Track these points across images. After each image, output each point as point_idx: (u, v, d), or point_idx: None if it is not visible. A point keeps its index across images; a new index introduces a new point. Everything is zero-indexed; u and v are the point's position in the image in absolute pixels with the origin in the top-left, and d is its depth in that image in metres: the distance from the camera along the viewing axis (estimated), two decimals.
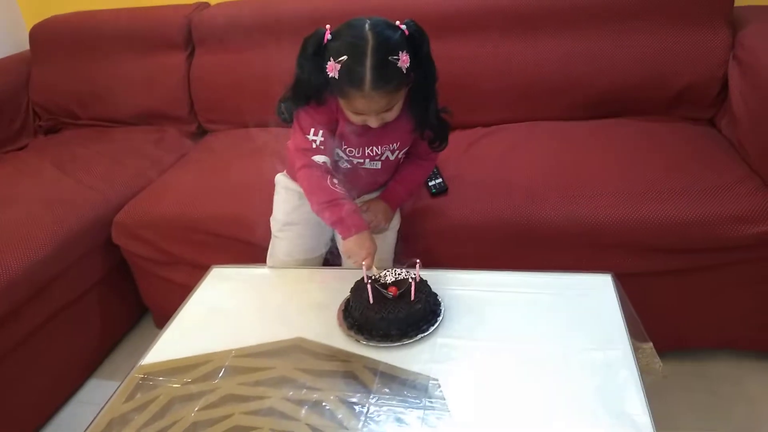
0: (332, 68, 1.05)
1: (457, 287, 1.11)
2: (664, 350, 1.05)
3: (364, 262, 1.08)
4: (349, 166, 1.27)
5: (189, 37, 2.05)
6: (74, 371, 1.64)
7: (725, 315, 1.41)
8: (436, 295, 1.07)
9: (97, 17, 2.15)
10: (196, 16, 2.04)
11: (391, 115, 1.13)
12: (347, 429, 0.85)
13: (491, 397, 0.88)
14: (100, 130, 2.13)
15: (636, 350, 0.94)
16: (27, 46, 2.25)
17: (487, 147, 1.67)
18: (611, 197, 1.34)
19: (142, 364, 1.03)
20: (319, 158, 1.17)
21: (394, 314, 0.99)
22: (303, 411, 0.89)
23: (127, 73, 2.09)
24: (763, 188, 1.31)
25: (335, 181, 1.17)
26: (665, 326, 1.26)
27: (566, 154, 1.54)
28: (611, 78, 1.70)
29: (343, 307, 1.08)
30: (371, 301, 1.01)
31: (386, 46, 1.04)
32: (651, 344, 1.03)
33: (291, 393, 0.92)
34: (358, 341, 1.00)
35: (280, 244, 1.36)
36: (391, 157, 1.27)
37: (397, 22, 1.09)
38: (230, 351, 1.03)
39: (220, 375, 0.98)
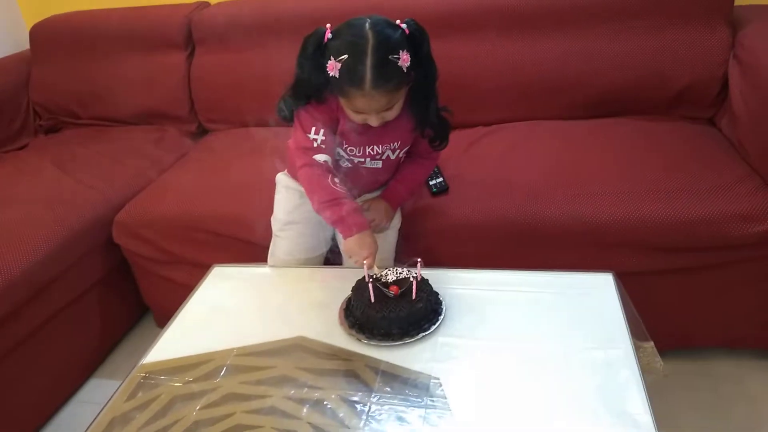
0: (332, 67, 1.06)
1: (459, 286, 1.11)
2: (665, 349, 1.05)
3: (365, 262, 1.08)
4: (350, 165, 1.27)
5: (189, 36, 2.05)
6: (75, 371, 1.64)
7: (727, 314, 1.42)
8: (437, 294, 1.07)
9: (97, 17, 2.15)
10: (196, 16, 2.04)
11: (391, 114, 1.13)
12: (349, 428, 0.85)
13: (493, 395, 0.88)
14: (100, 130, 2.13)
15: (637, 349, 0.94)
16: (27, 46, 2.25)
17: (488, 146, 1.67)
18: (612, 196, 1.34)
19: (144, 362, 1.03)
20: (320, 157, 1.17)
21: (395, 313, 0.99)
22: (304, 410, 0.89)
23: (127, 73, 2.09)
24: (763, 187, 1.31)
25: (336, 180, 1.17)
26: (667, 325, 1.26)
27: (567, 154, 1.54)
28: (611, 77, 1.70)
29: (344, 306, 1.08)
30: (372, 300, 1.01)
31: (386, 45, 1.04)
32: (652, 343, 1.03)
33: (292, 392, 0.92)
34: (360, 340, 1.00)
35: (281, 243, 1.36)
36: (392, 157, 1.27)
37: (398, 21, 1.09)
38: (231, 350, 1.03)
39: (222, 374, 0.98)
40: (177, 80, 2.05)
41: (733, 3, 1.64)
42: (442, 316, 1.03)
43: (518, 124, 1.75)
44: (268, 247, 1.39)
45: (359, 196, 1.32)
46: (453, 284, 1.11)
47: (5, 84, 2.16)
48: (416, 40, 1.08)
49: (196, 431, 0.88)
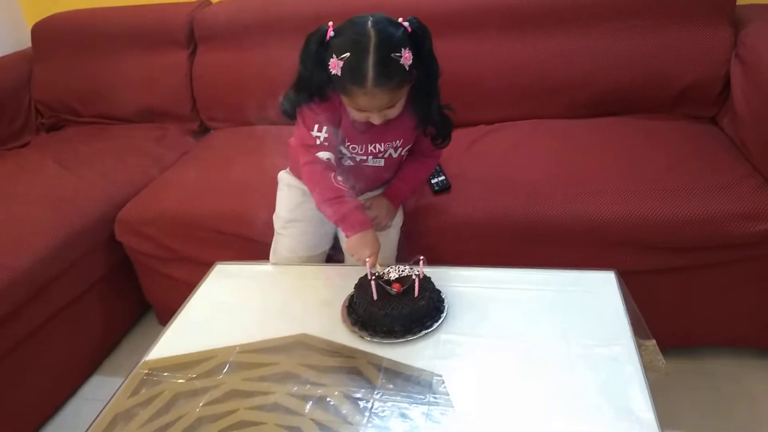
0: (335, 65, 1.06)
1: (461, 284, 1.11)
2: (666, 347, 1.05)
3: (367, 260, 1.09)
4: (352, 163, 1.27)
5: (191, 34, 2.05)
6: (76, 368, 1.64)
7: (728, 312, 1.42)
8: (439, 291, 1.07)
9: (98, 15, 2.15)
10: (198, 14, 2.04)
11: (393, 112, 1.13)
12: (352, 424, 0.85)
13: (495, 392, 0.88)
14: (102, 128, 2.13)
15: (639, 347, 0.94)
16: (29, 44, 2.26)
17: (490, 145, 1.67)
18: (614, 195, 1.34)
19: (147, 359, 1.04)
20: (324, 155, 1.17)
21: (397, 311, 1.00)
22: (307, 406, 0.89)
23: (129, 71, 2.09)
24: (765, 186, 1.31)
25: (339, 178, 1.17)
26: (669, 323, 1.26)
27: (569, 152, 1.54)
28: (613, 76, 1.70)
29: (346, 304, 1.08)
30: (375, 297, 1.02)
31: (389, 43, 1.04)
32: (654, 341, 1.03)
33: (295, 388, 0.93)
34: (362, 337, 1.01)
35: (283, 241, 1.36)
36: (394, 155, 1.27)
37: (400, 19, 1.09)
38: (234, 347, 1.03)
39: (225, 371, 0.98)
40: (179, 78, 2.05)
41: (735, 2, 1.64)
42: (444, 314, 1.03)
43: (520, 123, 1.75)
44: (270, 245, 1.39)
45: (361, 194, 1.33)
46: (455, 282, 1.11)
47: (7, 82, 2.17)
48: (418, 38, 1.08)
49: (199, 428, 0.88)
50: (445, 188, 1.47)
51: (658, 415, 0.81)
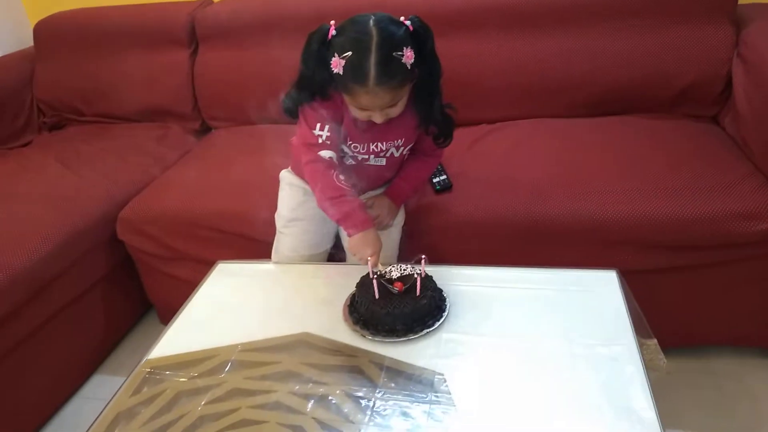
0: (336, 64, 1.06)
1: (462, 283, 1.11)
2: (668, 347, 1.05)
3: (369, 259, 1.09)
4: (353, 162, 1.28)
5: (192, 33, 2.05)
6: (78, 368, 1.64)
7: (730, 312, 1.42)
8: (441, 290, 1.07)
9: (100, 14, 2.16)
10: (199, 13, 2.04)
11: (395, 111, 1.13)
12: (353, 423, 0.85)
13: (497, 391, 0.88)
14: (103, 127, 2.13)
15: (640, 346, 0.94)
16: (31, 43, 2.26)
17: (491, 144, 1.67)
18: (615, 194, 1.34)
19: (149, 358, 1.04)
20: (326, 153, 1.17)
21: (399, 309, 1.00)
22: (309, 405, 0.89)
23: (130, 70, 2.09)
24: (766, 185, 1.31)
25: (341, 177, 1.17)
26: (670, 322, 1.26)
27: (570, 152, 1.54)
28: (614, 75, 1.70)
29: (348, 303, 1.09)
30: (377, 296, 1.02)
31: (390, 42, 1.04)
32: (655, 341, 1.03)
33: (297, 387, 0.93)
34: (364, 336, 1.01)
35: (284, 240, 1.36)
36: (396, 154, 1.27)
37: (402, 18, 1.09)
38: (236, 345, 1.03)
39: (227, 369, 0.98)
40: (180, 78, 2.05)
41: (736, 1, 1.64)
42: (446, 313, 1.03)
43: (521, 122, 1.75)
44: (271, 244, 1.39)
45: (363, 193, 1.33)
46: (457, 281, 1.11)
47: (9, 81, 2.17)
48: (420, 37, 1.08)
49: (201, 426, 0.88)
50: (446, 187, 1.47)
51: (660, 414, 0.81)
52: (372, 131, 1.20)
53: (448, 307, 1.05)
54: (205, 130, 2.13)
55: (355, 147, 1.24)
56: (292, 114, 1.21)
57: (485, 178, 1.48)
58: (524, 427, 0.83)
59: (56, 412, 1.56)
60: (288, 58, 1.17)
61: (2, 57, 2.26)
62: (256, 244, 1.45)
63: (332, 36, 1.07)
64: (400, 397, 0.89)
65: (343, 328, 1.04)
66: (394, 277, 1.05)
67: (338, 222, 1.20)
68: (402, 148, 1.26)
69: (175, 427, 0.88)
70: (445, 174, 1.49)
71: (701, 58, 1.63)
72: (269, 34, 1.89)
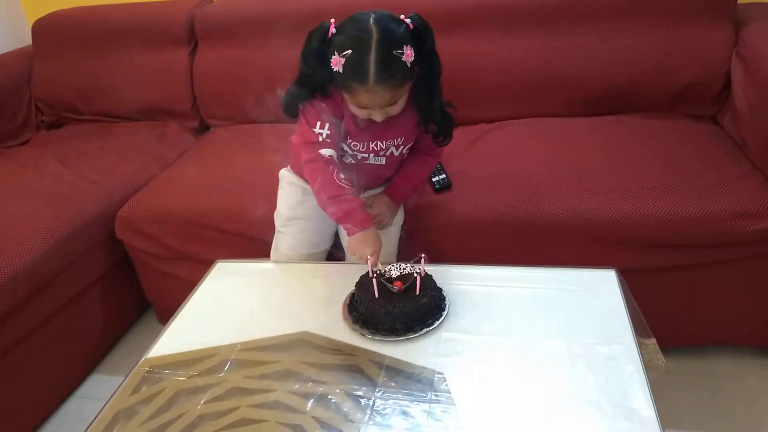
0: (336, 62, 1.06)
1: (462, 282, 1.11)
2: (667, 346, 1.05)
3: (369, 258, 1.09)
4: (353, 161, 1.27)
5: (192, 32, 2.05)
6: (75, 367, 1.64)
7: (729, 311, 1.42)
8: (440, 289, 1.07)
9: (99, 12, 2.15)
10: (198, 12, 2.04)
11: (395, 110, 1.13)
12: (353, 422, 0.85)
13: (496, 390, 0.88)
14: (102, 126, 2.13)
15: (639, 346, 0.94)
16: (29, 41, 2.25)
17: (491, 143, 1.67)
18: (615, 193, 1.34)
19: (148, 357, 1.03)
20: (326, 151, 1.16)
21: (399, 308, 0.99)
22: (309, 404, 0.89)
23: (129, 69, 2.08)
24: (766, 185, 1.31)
25: (341, 176, 1.17)
26: (669, 322, 1.26)
27: (570, 151, 1.54)
28: (614, 75, 1.70)
29: (348, 302, 1.08)
30: (377, 295, 1.02)
31: (390, 40, 1.04)
32: (654, 340, 1.03)
33: (296, 386, 0.93)
34: (364, 335, 1.00)
35: (283, 239, 1.36)
36: (396, 153, 1.27)
37: (402, 16, 1.09)
38: (235, 344, 1.03)
39: (226, 368, 0.98)
40: (179, 76, 2.05)
41: (735, 1, 1.64)
42: (445, 312, 1.03)
43: (521, 121, 1.75)
44: (271, 243, 1.39)
45: (362, 191, 1.32)
46: (456, 280, 1.11)
47: (7, 79, 2.16)
48: (420, 35, 1.08)
49: (200, 425, 0.88)
50: (446, 186, 1.46)
51: (659, 413, 0.81)
52: (372, 130, 1.20)
53: (447, 306, 1.04)
54: (204, 128, 2.13)
55: (355, 145, 1.23)
56: (291, 112, 1.21)
57: (484, 177, 1.48)
58: (523, 426, 0.83)
59: (54, 412, 1.56)
60: (287, 57, 1.17)
61: (0, 55, 2.25)
62: (255, 243, 1.45)
63: (332, 34, 1.07)
64: (399, 396, 0.89)
65: (342, 327, 1.04)
66: (393, 276, 1.05)
67: (338, 221, 1.19)
68: (402, 147, 1.26)
69: (174, 426, 0.88)
70: (445, 173, 1.49)
71: (700, 57, 1.63)
72: (269, 32, 1.89)
